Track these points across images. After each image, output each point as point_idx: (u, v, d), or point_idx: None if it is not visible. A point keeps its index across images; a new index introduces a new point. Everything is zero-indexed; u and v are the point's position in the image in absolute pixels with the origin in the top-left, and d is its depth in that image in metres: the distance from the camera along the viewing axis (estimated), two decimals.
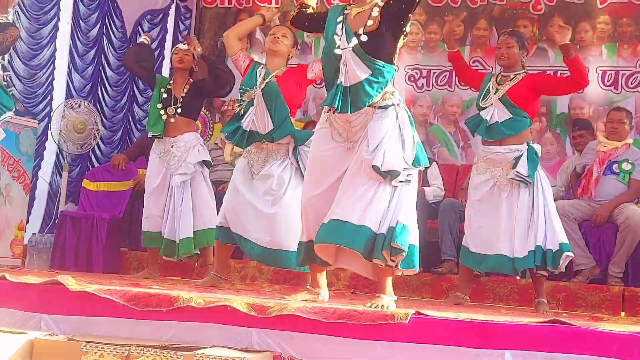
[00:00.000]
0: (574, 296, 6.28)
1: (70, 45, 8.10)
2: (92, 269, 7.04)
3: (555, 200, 6.94)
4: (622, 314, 6.00)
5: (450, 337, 3.38)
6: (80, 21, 8.18)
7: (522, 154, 5.54)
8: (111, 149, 8.54)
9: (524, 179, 5.49)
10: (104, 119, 8.31)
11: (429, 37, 8.85)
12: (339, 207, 4.22)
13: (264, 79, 5.49)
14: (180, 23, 9.66)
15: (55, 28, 7.77)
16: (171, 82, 6.52)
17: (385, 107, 4.34)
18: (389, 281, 4.26)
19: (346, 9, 4.48)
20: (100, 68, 8.50)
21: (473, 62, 8.60)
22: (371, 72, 4.31)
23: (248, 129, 5.45)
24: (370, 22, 4.34)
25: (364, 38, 4.31)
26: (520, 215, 5.50)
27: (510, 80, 5.77)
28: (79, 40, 8.18)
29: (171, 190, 6.32)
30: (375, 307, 3.90)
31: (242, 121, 5.48)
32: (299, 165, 5.39)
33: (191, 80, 6.51)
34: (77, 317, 4.00)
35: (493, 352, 3.30)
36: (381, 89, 4.36)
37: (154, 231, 6.36)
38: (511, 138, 5.64)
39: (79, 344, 3.48)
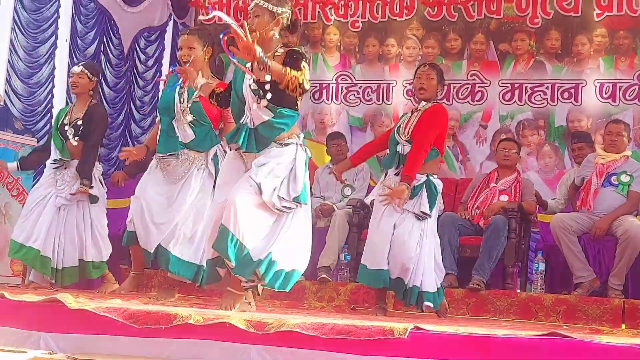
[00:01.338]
0: (574, 309, 6.27)
1: (68, 63, 8.13)
2: (92, 287, 7.03)
3: (554, 213, 7.00)
4: (623, 326, 5.98)
5: (449, 352, 3.37)
6: (78, 39, 8.22)
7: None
8: (109, 167, 8.56)
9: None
10: None
11: (427, 51, 8.89)
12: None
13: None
14: (177, 40, 9.67)
15: (54, 46, 7.83)
16: None
17: (287, 145, 4.58)
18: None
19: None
20: (99, 84, 8.49)
21: (471, 76, 8.65)
22: (273, 115, 4.49)
23: None
24: (268, 78, 4.45)
25: (268, 96, 4.49)
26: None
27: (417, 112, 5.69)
28: (77, 58, 8.20)
29: None
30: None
31: None
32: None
33: None
34: (76, 335, 3.98)
35: None
36: (283, 130, 4.54)
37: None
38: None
39: None
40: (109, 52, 8.70)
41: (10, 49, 7.49)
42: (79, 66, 6.46)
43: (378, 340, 3.45)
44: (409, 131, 5.53)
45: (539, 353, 3.27)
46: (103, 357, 3.58)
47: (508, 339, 3.38)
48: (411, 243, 5.37)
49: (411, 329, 3.45)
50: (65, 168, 6.36)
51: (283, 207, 4.53)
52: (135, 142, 9.00)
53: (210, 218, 4.96)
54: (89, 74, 6.36)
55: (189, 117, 5.45)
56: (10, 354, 3.54)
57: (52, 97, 7.76)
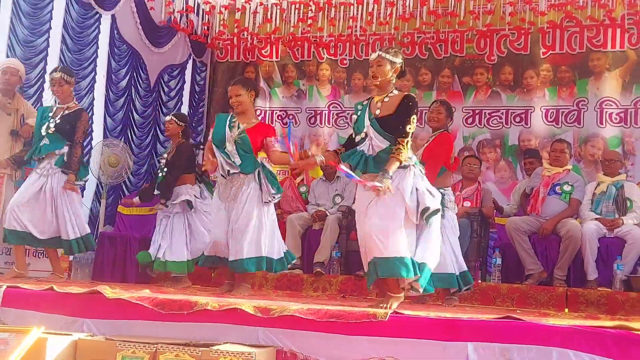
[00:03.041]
0: (526, 296, 6.27)
1: (104, 95, 8.14)
2: (126, 280, 7.04)
3: (509, 216, 7.02)
4: (566, 310, 5.99)
5: (422, 332, 3.38)
6: (113, 75, 8.23)
7: None
8: (138, 180, 8.58)
9: None
10: (133, 155, 8.32)
11: (402, 83, 8.79)
12: None
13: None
14: (196, 75, 9.71)
15: (93, 80, 7.84)
16: None
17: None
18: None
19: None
20: (129, 113, 8.54)
21: None
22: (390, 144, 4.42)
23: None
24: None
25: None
26: None
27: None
28: (111, 90, 8.23)
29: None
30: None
31: None
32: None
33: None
34: (113, 320, 4.00)
35: (458, 344, 3.30)
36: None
37: None
38: None
39: (115, 343, 3.48)
40: (138, 85, 8.70)
41: None
42: (169, 116, 6.73)
43: (364, 322, 3.47)
44: (419, 155, 5.48)
45: (496, 332, 3.29)
46: (135, 338, 3.57)
47: (471, 321, 3.40)
48: None
49: (391, 313, 3.47)
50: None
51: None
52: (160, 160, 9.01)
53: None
54: (177, 120, 6.56)
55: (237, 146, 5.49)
56: (59, 337, 3.54)
57: (92, 122, 7.71)
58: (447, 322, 3.41)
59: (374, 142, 4.47)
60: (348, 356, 3.42)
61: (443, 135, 5.78)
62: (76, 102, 6.34)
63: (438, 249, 4.48)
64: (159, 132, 9.07)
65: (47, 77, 7.20)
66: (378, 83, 4.50)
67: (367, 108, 4.59)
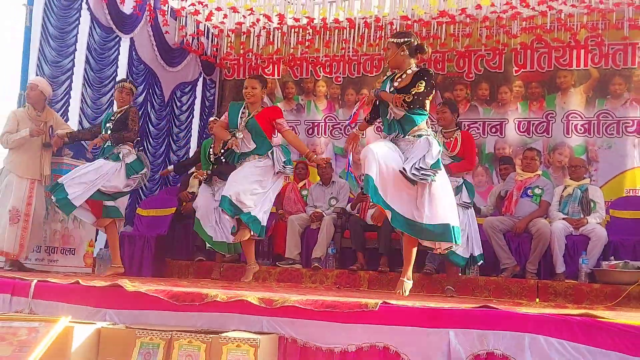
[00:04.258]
0: (501, 287, 6.29)
1: None
2: (144, 275, 7.03)
3: (485, 216, 7.03)
4: (537, 300, 6.01)
5: (408, 320, 3.36)
6: None
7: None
8: (153, 185, 8.58)
9: None
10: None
11: None
12: None
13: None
14: (206, 91, 9.72)
15: (112, 97, 7.80)
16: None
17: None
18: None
19: None
20: (145, 125, 8.54)
21: None
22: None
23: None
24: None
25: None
26: None
27: (452, 136, 5.91)
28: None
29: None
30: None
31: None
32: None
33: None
34: (132, 310, 3.98)
35: (440, 330, 3.28)
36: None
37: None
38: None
39: (135, 331, 3.47)
40: (153, 100, 8.70)
41: (81, 99, 7.49)
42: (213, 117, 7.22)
43: (357, 312, 3.46)
44: (454, 152, 5.82)
45: (475, 320, 3.29)
46: (152, 327, 3.57)
47: (452, 310, 3.39)
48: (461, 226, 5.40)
49: (381, 303, 3.46)
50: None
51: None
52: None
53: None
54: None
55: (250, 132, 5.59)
56: (83, 325, 3.53)
57: None
58: (431, 311, 3.40)
59: (394, 110, 4.57)
60: (343, 342, 3.41)
61: (463, 134, 5.97)
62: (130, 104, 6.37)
63: None
64: (172, 142, 9.08)
65: (72, 94, 7.24)
66: (387, 64, 4.77)
67: (389, 81, 4.70)
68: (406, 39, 4.67)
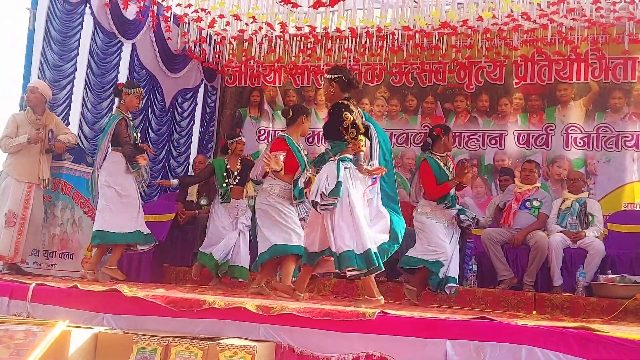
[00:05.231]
0: (498, 299, 6.29)
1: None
2: (142, 280, 7.03)
3: (484, 228, 7.03)
4: (534, 312, 5.99)
5: (406, 330, 3.38)
6: None
7: None
8: (152, 191, 8.55)
9: None
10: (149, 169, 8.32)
11: (391, 108, 8.95)
12: None
13: None
14: (207, 98, 9.72)
15: (113, 101, 7.79)
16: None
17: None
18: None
19: None
20: (146, 131, 8.54)
21: (423, 127, 8.69)
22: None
23: None
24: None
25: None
26: None
27: None
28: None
29: None
30: None
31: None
32: None
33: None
34: (130, 315, 3.99)
35: (437, 341, 3.30)
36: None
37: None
38: None
39: (132, 336, 3.49)
40: (154, 106, 8.70)
41: (82, 103, 7.50)
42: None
43: (354, 321, 3.47)
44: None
45: (472, 331, 3.30)
46: (150, 332, 3.58)
47: (449, 320, 3.41)
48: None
49: (378, 313, 3.47)
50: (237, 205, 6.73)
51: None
52: (173, 173, 9.01)
53: None
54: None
55: None
56: (81, 330, 3.54)
57: None
58: (428, 322, 3.41)
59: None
60: (340, 351, 3.42)
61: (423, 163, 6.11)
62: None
63: None
64: (172, 148, 9.08)
65: (73, 98, 7.25)
66: (324, 99, 4.76)
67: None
68: (336, 76, 4.71)
